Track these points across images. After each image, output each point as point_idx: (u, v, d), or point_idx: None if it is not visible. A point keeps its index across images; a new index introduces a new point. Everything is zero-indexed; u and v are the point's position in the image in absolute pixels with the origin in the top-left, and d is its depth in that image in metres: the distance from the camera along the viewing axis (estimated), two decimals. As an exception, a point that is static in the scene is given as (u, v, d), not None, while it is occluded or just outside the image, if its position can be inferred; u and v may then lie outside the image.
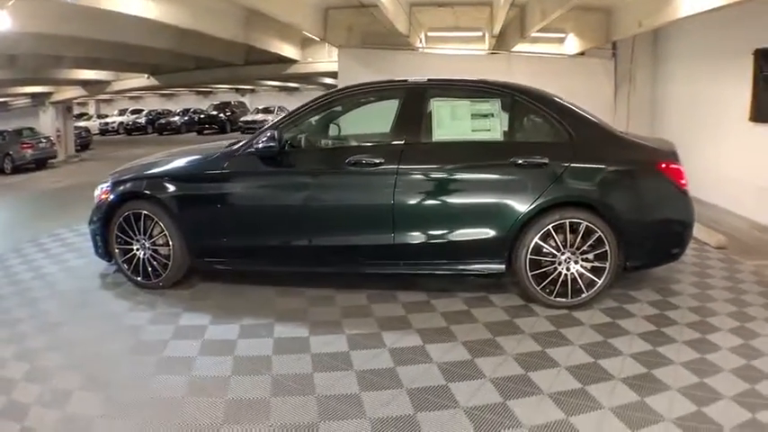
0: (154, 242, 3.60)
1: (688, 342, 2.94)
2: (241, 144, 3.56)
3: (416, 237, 3.29)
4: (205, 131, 25.60)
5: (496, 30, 8.87)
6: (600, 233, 3.23)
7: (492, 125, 3.30)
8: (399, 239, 3.25)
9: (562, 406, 2.28)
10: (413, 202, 3.27)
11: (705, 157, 5.96)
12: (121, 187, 3.70)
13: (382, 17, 8.26)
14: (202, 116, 26.51)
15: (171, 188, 3.57)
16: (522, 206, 3.19)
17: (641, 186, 3.33)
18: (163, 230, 3.54)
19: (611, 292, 3.46)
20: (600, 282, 3.30)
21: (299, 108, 3.60)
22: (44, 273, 4.16)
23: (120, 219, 3.62)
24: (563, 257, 3.28)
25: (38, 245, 4.95)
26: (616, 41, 9.71)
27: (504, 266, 3.32)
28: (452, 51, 11.01)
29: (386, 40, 11.85)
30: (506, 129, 3.34)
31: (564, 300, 3.31)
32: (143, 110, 30.21)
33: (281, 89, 29.49)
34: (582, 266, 3.29)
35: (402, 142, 3.33)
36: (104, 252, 3.79)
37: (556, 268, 3.29)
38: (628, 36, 8.72)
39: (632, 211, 3.26)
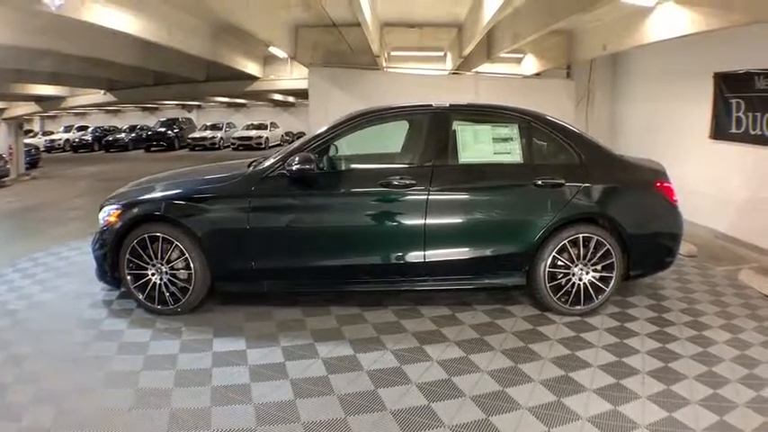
0: (172, 266, 3.65)
1: (689, 339, 3.51)
2: (268, 165, 3.71)
3: (446, 254, 3.65)
4: (152, 149, 25.51)
5: (467, 51, 9.52)
6: (608, 246, 3.75)
7: (512, 148, 3.76)
8: (430, 257, 3.61)
9: (608, 399, 2.73)
10: (443, 221, 3.63)
11: (668, 172, 6.77)
12: (135, 210, 3.72)
13: (361, 38, 8.69)
14: (150, 133, 26.41)
15: (193, 210, 3.64)
16: (542, 223, 3.66)
17: (642, 203, 3.90)
18: (183, 254, 3.61)
19: (611, 299, 3.98)
20: (608, 290, 3.82)
21: (327, 130, 3.80)
22: (39, 301, 4.08)
23: (134, 242, 3.64)
24: (576, 269, 3.76)
25: (19, 270, 4.84)
26: (571, 62, 10.65)
27: (524, 279, 3.76)
28: (420, 71, 11.59)
29: (347, 59, 12.30)
30: (524, 152, 3.79)
31: (578, 307, 3.79)
32: (89, 126, 29.75)
33: (229, 105, 29.64)
34: (592, 276, 3.78)
35: (431, 164, 3.67)
36: (112, 278, 3.80)
37: (570, 279, 3.76)
38: (590, 58, 9.60)
39: (635, 226, 3.80)
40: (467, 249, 3.68)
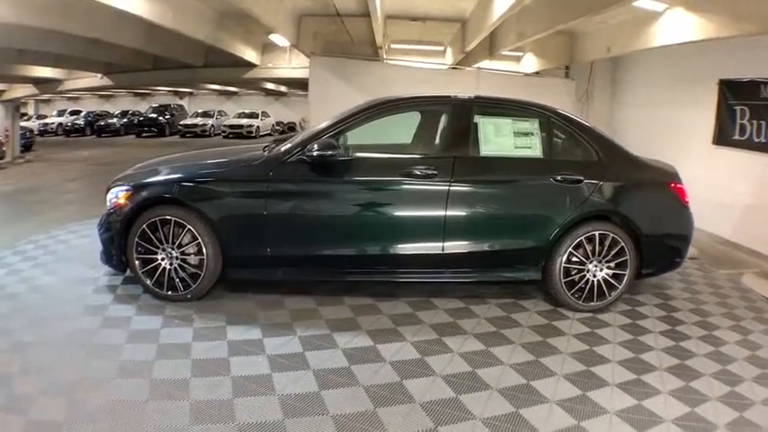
0: (183, 251, 3.59)
1: (700, 338, 3.62)
2: (287, 150, 3.67)
3: (464, 246, 3.69)
4: (144, 134, 25.92)
5: (471, 46, 9.57)
6: (622, 243, 3.83)
7: (532, 143, 3.82)
8: (449, 249, 3.64)
9: (631, 394, 2.81)
10: (463, 212, 3.66)
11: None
12: (146, 192, 3.64)
13: (363, 29, 8.67)
14: (141, 118, 26.89)
15: (208, 194, 3.60)
16: (560, 219, 3.73)
17: (656, 203, 3.99)
18: (194, 239, 3.55)
19: (620, 297, 4.04)
20: (620, 287, 3.91)
21: (346, 117, 3.78)
22: (39, 285, 3.94)
23: (144, 226, 3.56)
24: (590, 265, 3.83)
25: (19, 252, 4.75)
26: (571, 63, 10.78)
27: (540, 274, 3.82)
28: (420, 65, 11.62)
29: (347, 50, 12.32)
30: (544, 147, 3.85)
31: (591, 304, 3.87)
32: (82, 111, 29.87)
33: (221, 93, 29.77)
34: (606, 274, 3.86)
35: (452, 155, 3.70)
36: (119, 262, 3.73)
37: (584, 275, 3.83)
38: (593, 59, 9.71)
39: (648, 225, 3.89)
40: (485, 242, 3.73)
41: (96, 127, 26.55)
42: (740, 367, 3.19)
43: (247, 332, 3.28)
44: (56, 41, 8.76)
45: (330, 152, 3.51)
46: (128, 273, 3.88)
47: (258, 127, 25.90)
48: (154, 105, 28.36)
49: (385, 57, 12.70)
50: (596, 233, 3.80)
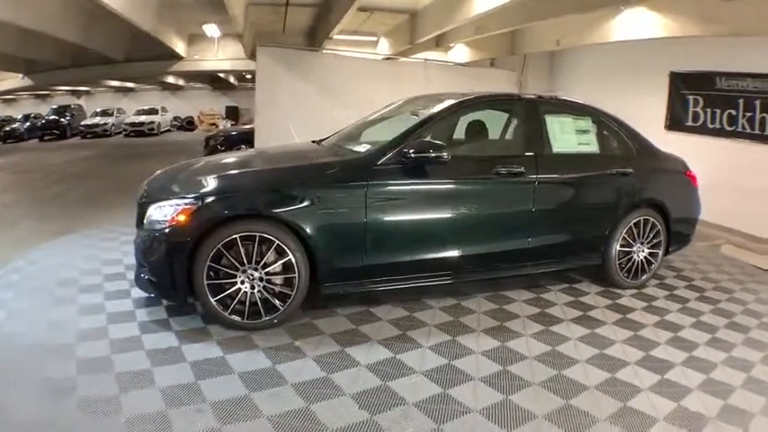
0: (267, 271, 3.35)
1: (728, 300, 4.47)
2: (379, 151, 3.65)
3: (546, 238, 4.12)
4: (46, 137, 24.27)
5: (424, 38, 10.00)
6: (659, 226, 4.52)
7: (590, 140, 4.35)
8: (533, 242, 4.05)
9: (721, 348, 3.46)
10: (546, 207, 4.07)
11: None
12: (222, 205, 3.30)
13: (302, 18, 8.72)
14: (43, 121, 25.27)
15: (298, 204, 3.34)
16: (618, 208, 4.34)
17: (679, 189, 4.77)
18: (281, 256, 3.33)
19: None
20: (656, 264, 4.62)
21: (431, 117, 3.90)
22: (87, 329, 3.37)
23: (219, 245, 3.23)
24: (635, 247, 4.47)
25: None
26: (514, 54, 11.67)
27: (600, 259, 4.38)
28: (367, 55, 11.83)
29: (277, 39, 12.18)
30: (599, 143, 4.42)
31: (636, 281, 4.52)
32: None
33: (118, 90, 29.13)
34: (646, 254, 4.52)
35: (533, 153, 4.07)
36: (183, 291, 3.31)
37: (631, 256, 4.46)
38: (540, 51, 10.60)
39: (676, 209, 4.65)
40: (562, 234, 4.20)
41: (3, 133, 24.62)
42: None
43: (373, 352, 3.18)
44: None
45: (429, 153, 3.57)
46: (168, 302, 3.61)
47: (159, 123, 25.61)
48: (54, 107, 26.78)
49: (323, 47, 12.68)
50: (641, 219, 4.43)
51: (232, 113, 31.56)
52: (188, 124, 29.96)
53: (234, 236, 3.25)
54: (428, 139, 3.71)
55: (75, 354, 3.06)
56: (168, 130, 27.36)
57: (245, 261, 3.30)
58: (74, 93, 30.06)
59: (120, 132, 25.63)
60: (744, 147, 6.61)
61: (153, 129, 25.04)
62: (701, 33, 6.09)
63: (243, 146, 10.99)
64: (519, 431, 2.48)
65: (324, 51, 11.09)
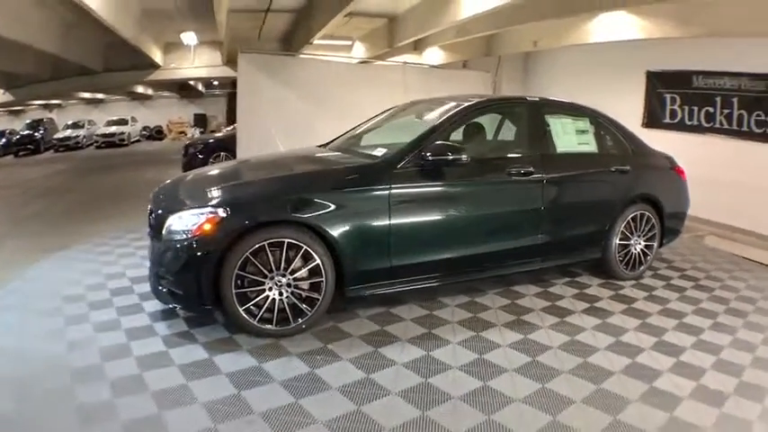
0: (295, 277, 3.38)
1: (721, 288, 4.77)
2: (398, 154, 3.75)
3: (554, 235, 4.32)
4: (21, 153, 23.98)
5: (405, 42, 10.18)
6: (654, 220, 4.77)
7: (589, 140, 4.58)
8: (543, 238, 4.25)
9: (725, 331, 3.73)
10: (553, 205, 4.27)
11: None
12: (252, 212, 3.30)
13: (277, 23, 8.78)
14: (18, 137, 25.06)
15: (325, 209, 3.40)
16: (617, 203, 4.60)
17: (671, 184, 5.07)
18: (308, 261, 3.37)
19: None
20: (651, 256, 4.88)
21: (446, 121, 4.01)
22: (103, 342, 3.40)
23: (247, 253, 3.25)
24: (632, 240, 4.71)
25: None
26: (490, 56, 11.96)
27: (601, 253, 4.60)
28: (348, 59, 11.94)
29: (252, 46, 12.21)
30: (598, 143, 4.66)
31: (633, 272, 4.78)
32: None
33: (88, 102, 29.48)
34: (642, 246, 4.77)
35: (539, 153, 4.27)
36: (209, 303, 3.29)
37: (629, 249, 4.70)
38: (515, 53, 10.89)
39: (668, 203, 4.95)
40: (569, 229, 4.42)
41: None
42: (766, 302, 4.38)
43: (406, 351, 3.26)
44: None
45: (448, 156, 3.71)
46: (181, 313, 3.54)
47: (129, 133, 26.16)
48: (27, 122, 26.87)
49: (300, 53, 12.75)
50: (638, 213, 4.68)
51: (200, 121, 31.62)
52: (157, 133, 30.36)
53: (262, 242, 3.26)
54: (445, 141, 3.85)
55: (105, 374, 2.97)
56: (138, 140, 28.09)
57: (273, 268, 3.33)
58: (46, 106, 30.67)
59: (91, 144, 25.91)
60: (722, 142, 7.00)
61: (123, 139, 25.45)
62: (679, 35, 6.43)
63: (222, 153, 10.96)
64: (564, 414, 2.66)
65: (306, 56, 11.15)
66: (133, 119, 28.62)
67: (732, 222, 6.88)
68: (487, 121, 4.65)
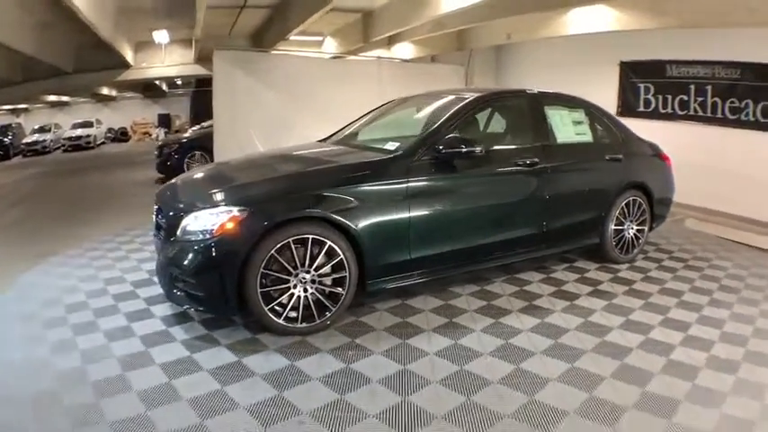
0: (320, 273, 3.41)
1: (710, 267, 5.09)
2: (412, 148, 3.82)
3: (559, 222, 4.50)
4: None
5: (381, 36, 10.24)
6: (645, 205, 5.01)
7: (585, 130, 4.78)
8: (548, 226, 4.42)
9: (724, 306, 3.97)
10: (557, 193, 4.44)
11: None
12: (277, 209, 3.28)
13: (258, 21, 8.74)
14: None
15: (347, 204, 3.43)
16: (613, 191, 4.84)
17: (659, 171, 5.35)
18: (332, 256, 3.40)
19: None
20: (642, 239, 5.11)
21: (456, 115, 4.09)
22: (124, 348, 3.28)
23: (272, 251, 3.23)
24: (626, 225, 4.93)
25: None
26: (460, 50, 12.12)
27: (599, 238, 4.81)
28: (323, 54, 11.89)
29: (222, 42, 12.07)
30: (593, 133, 4.87)
31: (627, 256, 5.02)
32: None
33: (54, 105, 29.20)
34: (634, 231, 4.99)
35: (541, 144, 4.44)
36: (234, 304, 3.24)
37: (623, 234, 4.92)
38: (488, 46, 11.06)
39: (657, 189, 5.24)
40: (572, 216, 4.62)
41: None
42: (757, 281, 4.68)
43: (435, 341, 3.33)
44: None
45: (462, 148, 3.82)
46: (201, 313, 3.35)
47: (95, 136, 26.17)
48: None
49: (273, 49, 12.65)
50: (630, 199, 4.91)
51: (164, 121, 31.01)
52: (122, 135, 30.20)
53: (287, 240, 3.26)
54: (455, 136, 3.95)
55: (130, 386, 2.85)
56: (103, 143, 28.01)
57: (297, 264, 3.34)
58: (13, 111, 30.58)
59: (58, 148, 25.68)
60: (696, 129, 7.34)
61: (90, 142, 25.39)
62: (654, 26, 6.71)
63: (197, 152, 10.78)
64: (599, 390, 2.82)
65: (281, 53, 11.07)
66: (98, 121, 28.44)
67: (709, 205, 7.22)
68: (490, 113, 4.76)
